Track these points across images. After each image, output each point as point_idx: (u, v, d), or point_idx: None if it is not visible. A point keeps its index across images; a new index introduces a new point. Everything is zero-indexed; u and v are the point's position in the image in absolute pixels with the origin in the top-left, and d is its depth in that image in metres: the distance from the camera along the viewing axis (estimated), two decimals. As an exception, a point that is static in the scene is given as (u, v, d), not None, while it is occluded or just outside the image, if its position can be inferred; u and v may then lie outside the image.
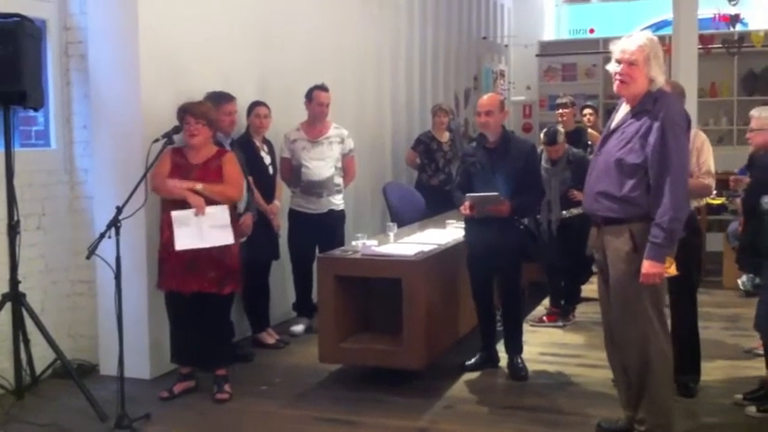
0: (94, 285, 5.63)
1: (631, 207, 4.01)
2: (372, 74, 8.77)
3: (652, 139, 3.93)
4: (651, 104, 3.99)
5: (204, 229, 4.93)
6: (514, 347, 5.66)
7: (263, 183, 6.18)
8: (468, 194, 5.39)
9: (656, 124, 3.93)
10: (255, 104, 6.24)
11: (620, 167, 4.02)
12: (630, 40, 4.03)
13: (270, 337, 6.38)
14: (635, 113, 4.05)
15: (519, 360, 5.63)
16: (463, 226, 5.76)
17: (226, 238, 5.00)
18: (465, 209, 5.39)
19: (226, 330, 5.39)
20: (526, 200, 5.50)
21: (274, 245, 6.46)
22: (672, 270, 4.00)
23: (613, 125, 4.17)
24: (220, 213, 4.98)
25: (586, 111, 8.70)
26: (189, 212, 4.93)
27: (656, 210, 3.91)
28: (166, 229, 5.06)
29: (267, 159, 6.30)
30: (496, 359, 5.76)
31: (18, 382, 4.96)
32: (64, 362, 4.97)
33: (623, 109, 4.17)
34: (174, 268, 5.04)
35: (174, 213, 4.93)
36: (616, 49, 4.07)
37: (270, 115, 6.27)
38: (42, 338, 4.90)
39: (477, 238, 5.54)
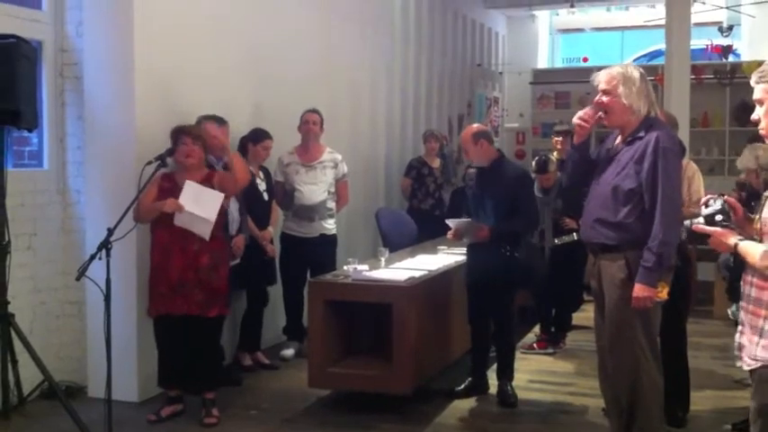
0: (84, 307, 5.61)
1: (627, 234, 4.03)
2: (367, 99, 8.81)
3: (646, 163, 3.97)
4: (644, 131, 4.04)
5: (195, 212, 4.93)
6: (505, 374, 5.66)
7: (258, 209, 6.18)
8: (447, 220, 5.50)
9: (650, 149, 3.97)
10: (264, 136, 6.23)
11: (616, 194, 4.05)
12: (604, 72, 4.17)
13: (246, 360, 6.36)
14: (629, 141, 4.09)
15: (509, 387, 5.62)
16: (455, 251, 5.79)
17: (216, 197, 5.01)
18: (450, 234, 5.49)
19: (215, 354, 5.36)
20: (510, 226, 5.44)
21: (270, 270, 6.46)
22: (663, 295, 4.01)
23: (610, 154, 4.19)
24: (190, 189, 4.97)
25: (578, 139, 8.72)
26: (176, 217, 4.95)
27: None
28: (155, 253, 5.06)
29: (262, 186, 6.31)
30: (486, 386, 5.75)
31: (5, 403, 4.93)
32: (52, 383, 4.94)
33: (618, 138, 4.21)
34: (162, 291, 5.04)
35: (176, 222, 4.96)
36: (594, 81, 4.18)
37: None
38: (30, 359, 4.88)
39: (473, 262, 5.60)
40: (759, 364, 2.64)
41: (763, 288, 2.59)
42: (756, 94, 2.73)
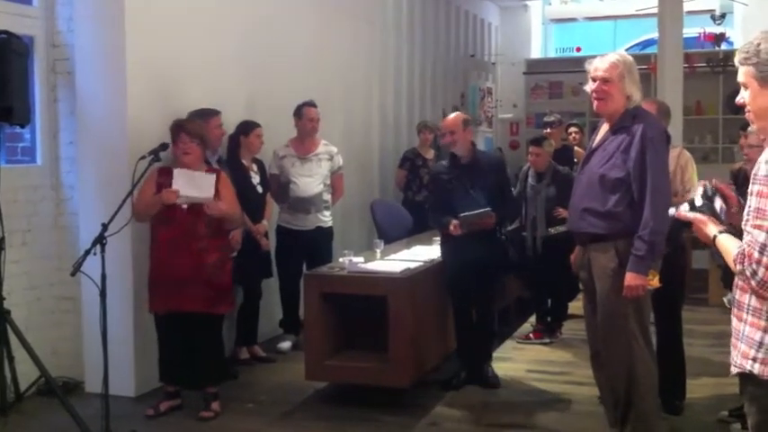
0: (79, 302, 5.60)
1: (616, 222, 4.04)
2: (360, 91, 8.80)
3: (633, 153, 3.98)
4: (630, 120, 4.05)
5: (191, 194, 4.94)
6: (484, 355, 5.74)
7: (252, 203, 6.16)
8: (460, 215, 5.40)
9: (636, 139, 3.99)
10: (254, 125, 6.22)
11: (603, 183, 4.06)
12: (603, 59, 4.12)
13: (244, 354, 6.38)
14: (615, 130, 4.10)
15: (489, 369, 5.70)
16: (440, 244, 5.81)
17: (208, 178, 5.03)
18: (456, 229, 5.41)
19: (219, 348, 5.35)
20: (507, 211, 5.70)
21: (266, 263, 6.46)
22: (654, 282, 4.03)
23: (594, 144, 4.22)
24: (182, 175, 4.97)
25: (572, 129, 8.75)
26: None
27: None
28: (160, 250, 5.05)
29: (256, 179, 6.29)
30: (478, 374, 5.77)
31: (2, 400, 4.92)
32: (49, 379, 4.93)
33: (603, 128, 4.22)
34: (168, 289, 5.01)
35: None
36: (590, 68, 4.14)
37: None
38: (27, 356, 4.87)
39: (460, 255, 5.56)
40: (737, 371, 2.51)
41: (745, 290, 2.50)
42: (741, 77, 2.54)
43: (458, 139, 5.56)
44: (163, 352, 5.22)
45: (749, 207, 2.40)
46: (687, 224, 2.71)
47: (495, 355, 6.03)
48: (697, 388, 5.41)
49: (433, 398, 5.47)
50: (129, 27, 5.41)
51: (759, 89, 2.48)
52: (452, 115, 5.84)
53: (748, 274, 2.35)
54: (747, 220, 2.39)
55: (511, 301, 7.47)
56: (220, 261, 5.12)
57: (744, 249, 2.37)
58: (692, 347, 6.01)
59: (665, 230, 4.01)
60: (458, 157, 5.61)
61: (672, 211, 2.76)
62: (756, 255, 2.32)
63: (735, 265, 2.40)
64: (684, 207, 2.69)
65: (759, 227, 2.32)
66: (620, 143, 4.04)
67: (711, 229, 2.57)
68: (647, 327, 4.17)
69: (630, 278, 3.95)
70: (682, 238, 5.10)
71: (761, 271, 2.32)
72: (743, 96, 2.55)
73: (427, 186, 8.51)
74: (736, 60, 2.56)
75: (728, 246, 2.48)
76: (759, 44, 2.46)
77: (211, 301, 5.06)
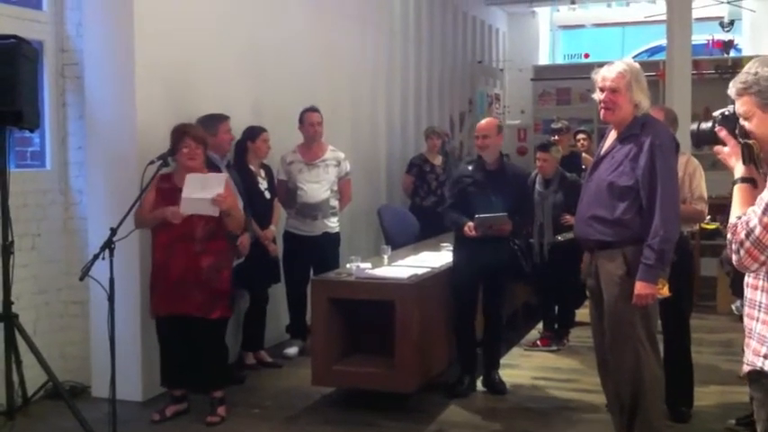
0: (87, 306, 5.61)
1: (624, 230, 4.03)
2: (367, 97, 8.81)
3: (642, 161, 3.98)
4: (639, 129, 4.05)
5: (204, 197, 4.91)
6: (492, 362, 5.74)
7: (260, 208, 6.18)
8: (477, 216, 5.42)
9: (645, 147, 3.98)
10: (261, 130, 6.23)
11: (612, 191, 4.05)
12: (610, 68, 4.11)
13: (250, 359, 6.38)
14: (623, 138, 4.09)
15: (496, 375, 5.70)
16: (452, 246, 5.82)
17: (219, 178, 5.02)
18: (470, 230, 5.43)
19: (219, 353, 5.35)
20: (522, 221, 5.73)
21: (273, 269, 6.47)
22: (664, 291, 4.03)
23: (603, 151, 4.21)
24: (194, 180, 4.93)
25: (580, 136, 8.75)
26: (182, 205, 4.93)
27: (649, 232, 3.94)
28: (157, 252, 5.06)
29: (263, 185, 6.31)
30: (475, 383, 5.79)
31: (9, 404, 4.92)
32: (56, 383, 4.93)
33: (611, 135, 4.21)
34: (164, 291, 5.03)
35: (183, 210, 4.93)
36: (597, 78, 4.14)
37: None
38: (34, 359, 4.88)
39: (470, 259, 5.57)
40: (749, 369, 2.53)
41: (756, 287, 2.50)
42: (740, 108, 2.48)
43: (490, 144, 5.59)
44: (164, 354, 5.22)
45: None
46: (707, 139, 2.66)
47: (501, 361, 6.01)
48: (704, 396, 5.40)
49: (439, 404, 5.46)
50: (137, 32, 5.43)
51: (764, 116, 2.44)
52: (487, 119, 5.92)
53: (734, 248, 2.40)
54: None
55: (518, 306, 7.47)
56: (217, 265, 5.08)
57: (737, 224, 2.40)
58: (701, 355, 5.99)
59: (675, 239, 4.01)
60: (485, 161, 5.63)
61: (692, 128, 2.73)
62: (743, 236, 2.36)
63: (728, 231, 2.44)
64: (707, 125, 2.61)
65: (756, 213, 2.34)
66: (629, 151, 4.04)
67: (738, 167, 2.52)
68: (654, 333, 4.16)
69: (640, 287, 3.95)
70: (690, 245, 5.10)
71: (742, 252, 2.37)
72: (746, 125, 2.50)
73: (435, 192, 8.52)
74: (733, 92, 2.51)
75: (735, 205, 2.47)
76: (757, 72, 2.43)
77: (206, 306, 5.03)
